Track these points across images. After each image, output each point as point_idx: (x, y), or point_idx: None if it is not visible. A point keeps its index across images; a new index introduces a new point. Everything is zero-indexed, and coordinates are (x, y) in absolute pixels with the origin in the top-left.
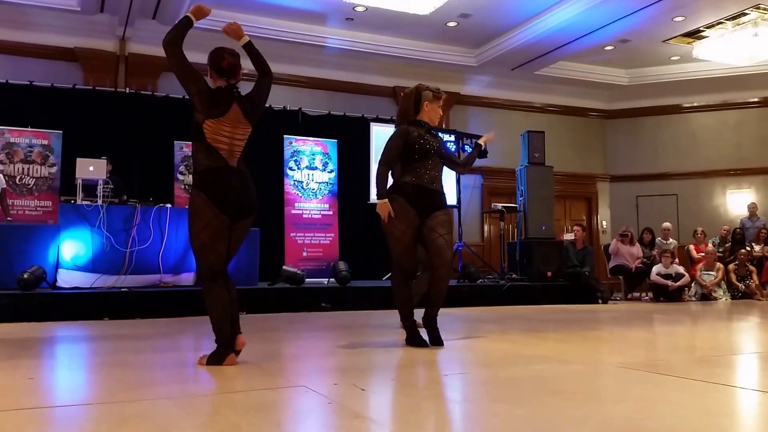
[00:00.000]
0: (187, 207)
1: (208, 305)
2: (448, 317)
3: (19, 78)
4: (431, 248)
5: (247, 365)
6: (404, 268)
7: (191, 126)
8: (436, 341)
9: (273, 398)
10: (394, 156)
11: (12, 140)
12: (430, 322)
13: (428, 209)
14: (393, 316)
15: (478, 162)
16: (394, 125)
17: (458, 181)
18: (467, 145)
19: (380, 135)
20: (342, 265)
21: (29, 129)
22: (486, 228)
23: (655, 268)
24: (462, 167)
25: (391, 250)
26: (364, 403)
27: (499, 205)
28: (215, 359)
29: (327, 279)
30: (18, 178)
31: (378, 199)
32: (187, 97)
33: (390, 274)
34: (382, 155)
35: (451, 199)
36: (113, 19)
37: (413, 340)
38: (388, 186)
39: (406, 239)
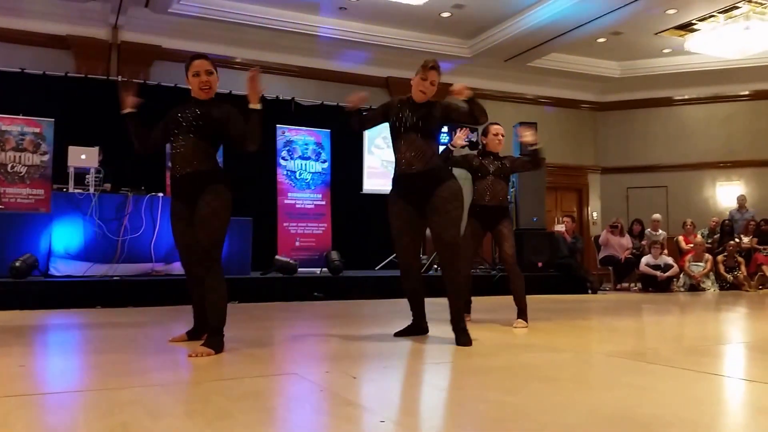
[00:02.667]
0: None
1: (223, 293)
2: (440, 307)
3: (10, 65)
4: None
5: (240, 353)
6: (402, 263)
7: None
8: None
9: (265, 385)
10: (368, 120)
11: (3, 128)
12: (452, 324)
13: (418, 196)
14: (385, 305)
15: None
16: None
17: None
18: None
19: (373, 127)
20: (335, 255)
21: (21, 117)
22: None
23: (645, 259)
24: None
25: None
26: (355, 390)
27: None
28: (222, 346)
29: (320, 268)
30: (10, 166)
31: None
32: (178, 85)
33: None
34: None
35: None
36: (105, 7)
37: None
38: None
39: (401, 238)
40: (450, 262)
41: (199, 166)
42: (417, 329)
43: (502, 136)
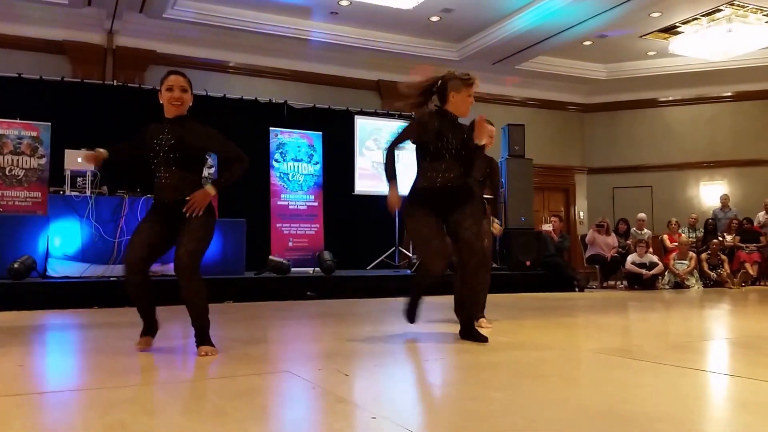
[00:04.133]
0: None
1: (206, 295)
2: (431, 305)
3: (7, 70)
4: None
5: (234, 352)
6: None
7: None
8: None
9: (259, 383)
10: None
11: (1, 132)
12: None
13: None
14: (376, 304)
15: None
16: (378, 118)
17: None
18: None
19: (364, 127)
20: (327, 255)
21: (18, 121)
22: None
23: (630, 258)
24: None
25: None
26: (347, 388)
27: None
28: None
29: (312, 268)
30: (7, 169)
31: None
32: None
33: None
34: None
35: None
36: (101, 12)
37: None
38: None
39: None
40: (477, 268)
41: (189, 194)
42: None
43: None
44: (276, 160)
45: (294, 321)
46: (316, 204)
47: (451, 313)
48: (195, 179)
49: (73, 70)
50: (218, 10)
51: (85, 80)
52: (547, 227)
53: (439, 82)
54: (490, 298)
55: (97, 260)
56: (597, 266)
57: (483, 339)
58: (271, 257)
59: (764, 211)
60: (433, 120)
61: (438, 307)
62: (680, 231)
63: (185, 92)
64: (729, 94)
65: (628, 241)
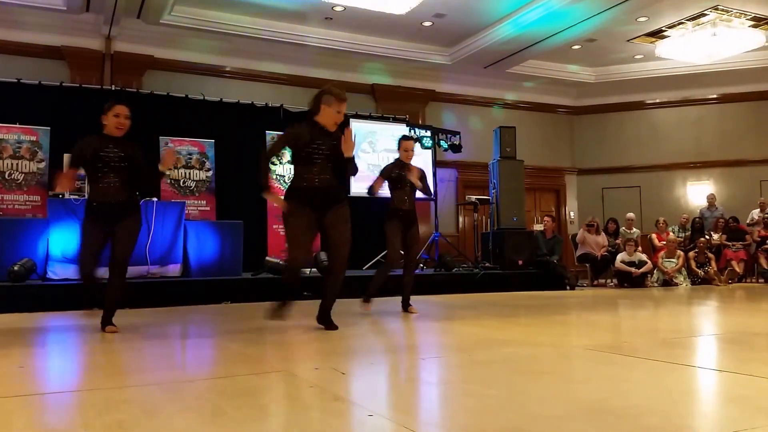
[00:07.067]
0: (171, 201)
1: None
2: (425, 304)
3: (7, 76)
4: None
5: (232, 352)
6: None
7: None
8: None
9: (257, 383)
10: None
11: (1, 136)
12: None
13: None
14: (373, 304)
15: (453, 156)
16: (373, 121)
17: (434, 174)
18: (442, 140)
19: (359, 131)
20: (323, 256)
21: (18, 125)
22: (461, 219)
23: (620, 256)
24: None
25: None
26: (344, 386)
27: (473, 198)
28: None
29: (309, 269)
30: (7, 173)
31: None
32: (170, 93)
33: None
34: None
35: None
36: (99, 18)
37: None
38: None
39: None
40: (340, 269)
41: (128, 198)
42: None
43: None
44: (272, 163)
45: (291, 321)
46: None
47: (448, 312)
48: (132, 184)
49: (72, 75)
50: (214, 15)
51: (83, 85)
52: (538, 227)
53: (319, 92)
54: (485, 296)
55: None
56: (587, 265)
57: (334, 327)
58: (268, 258)
59: (758, 209)
60: (305, 130)
61: (433, 307)
62: (669, 230)
63: (128, 119)
64: (714, 96)
65: (618, 241)
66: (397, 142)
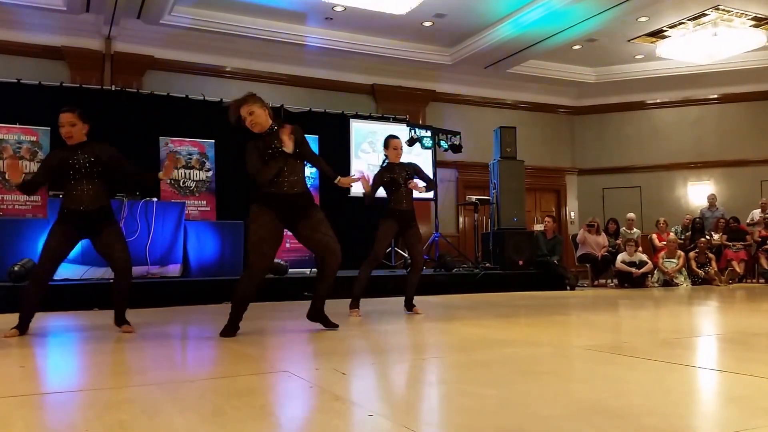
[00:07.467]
0: (171, 201)
1: None
2: (425, 305)
3: (7, 76)
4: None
5: (232, 352)
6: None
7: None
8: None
9: (257, 383)
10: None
11: (1, 137)
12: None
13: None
14: (372, 304)
15: (453, 156)
16: (373, 121)
17: (434, 174)
18: (442, 140)
19: (359, 131)
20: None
21: (18, 126)
22: (461, 219)
23: (620, 256)
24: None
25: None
26: (344, 386)
27: (474, 198)
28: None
29: (309, 269)
30: (7, 174)
31: None
32: (171, 93)
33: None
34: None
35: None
36: (99, 19)
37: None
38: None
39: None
40: (335, 267)
41: (104, 203)
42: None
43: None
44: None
45: (291, 321)
46: None
47: (448, 312)
48: (107, 190)
49: (72, 75)
50: (214, 15)
51: (83, 85)
52: (539, 227)
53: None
54: (485, 296)
55: (96, 263)
56: (588, 265)
57: (334, 326)
58: None
59: (759, 210)
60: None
61: (434, 307)
62: (672, 230)
63: (74, 126)
64: (715, 96)
65: (618, 241)
66: (384, 142)
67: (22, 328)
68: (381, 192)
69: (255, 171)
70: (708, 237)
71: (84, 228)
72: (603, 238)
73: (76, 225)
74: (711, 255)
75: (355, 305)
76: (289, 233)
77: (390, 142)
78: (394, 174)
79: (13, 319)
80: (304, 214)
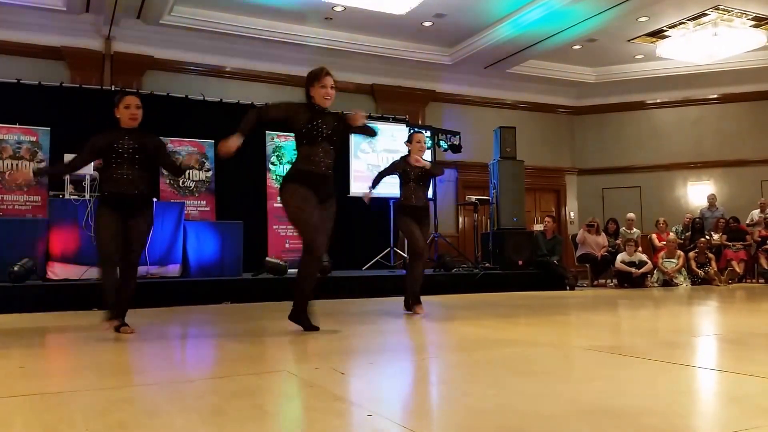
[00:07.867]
0: (170, 201)
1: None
2: (424, 304)
3: (7, 76)
4: None
5: (232, 351)
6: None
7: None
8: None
9: (256, 383)
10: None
11: (1, 137)
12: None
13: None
14: (371, 304)
15: (453, 156)
16: (373, 121)
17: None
18: (442, 140)
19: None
20: (323, 256)
21: (17, 126)
22: (461, 219)
23: (620, 256)
24: None
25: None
26: (344, 386)
27: (473, 198)
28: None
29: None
30: (7, 173)
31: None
32: (171, 93)
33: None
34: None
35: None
36: (98, 19)
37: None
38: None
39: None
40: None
41: (144, 190)
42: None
43: (425, 143)
44: (272, 163)
45: (291, 321)
46: None
47: (448, 312)
48: (149, 178)
49: (72, 75)
50: (214, 15)
51: (83, 85)
52: (539, 227)
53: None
54: (485, 297)
55: (96, 263)
56: (587, 265)
57: (314, 328)
58: (268, 258)
59: (759, 210)
60: (303, 108)
61: (434, 307)
62: (672, 230)
63: (139, 108)
64: (714, 96)
65: (618, 241)
66: (408, 137)
67: (116, 315)
68: (381, 192)
69: (277, 106)
70: (708, 237)
71: (122, 210)
72: (603, 238)
73: (116, 207)
74: (711, 255)
75: (418, 301)
76: (288, 227)
77: (414, 136)
78: (408, 167)
79: (13, 319)
80: (328, 200)
